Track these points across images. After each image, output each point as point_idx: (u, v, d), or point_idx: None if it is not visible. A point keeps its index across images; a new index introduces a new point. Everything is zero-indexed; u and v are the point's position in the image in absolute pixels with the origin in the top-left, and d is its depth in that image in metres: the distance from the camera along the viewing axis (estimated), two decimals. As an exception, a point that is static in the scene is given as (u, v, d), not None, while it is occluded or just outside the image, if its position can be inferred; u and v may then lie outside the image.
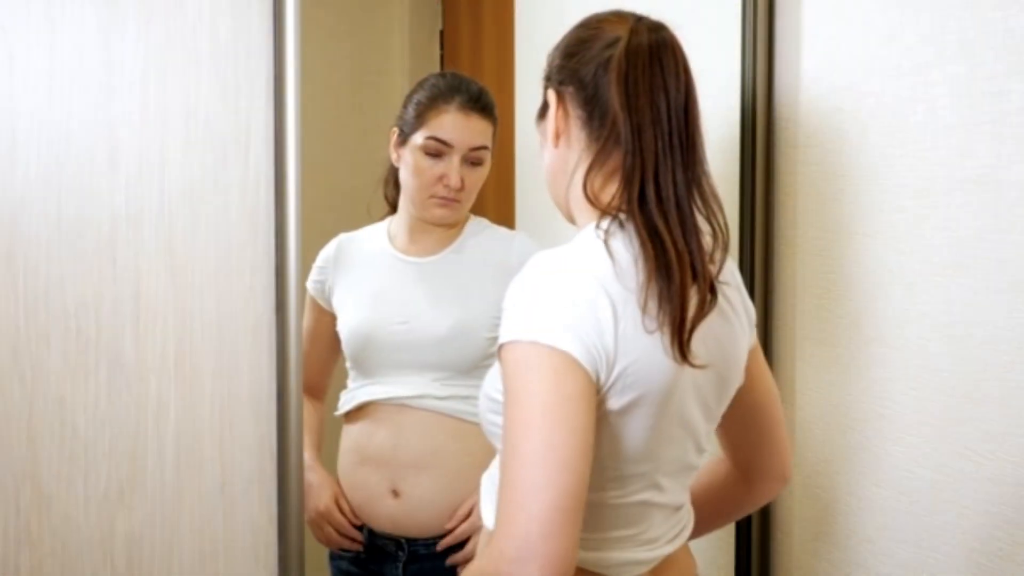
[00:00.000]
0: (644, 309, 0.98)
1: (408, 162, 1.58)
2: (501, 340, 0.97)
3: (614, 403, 0.99)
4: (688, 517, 1.18)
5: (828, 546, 1.54)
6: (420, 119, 1.57)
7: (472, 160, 1.58)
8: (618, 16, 1.12)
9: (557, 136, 1.12)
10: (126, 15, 1.22)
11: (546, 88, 1.14)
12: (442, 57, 2.09)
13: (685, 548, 1.19)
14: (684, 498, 1.16)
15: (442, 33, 2.10)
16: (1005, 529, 1.24)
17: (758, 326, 1.59)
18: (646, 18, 1.11)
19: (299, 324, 1.30)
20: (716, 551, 1.70)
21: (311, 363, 1.68)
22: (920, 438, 1.36)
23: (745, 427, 1.20)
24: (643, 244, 0.99)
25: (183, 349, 1.27)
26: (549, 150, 1.14)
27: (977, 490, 1.28)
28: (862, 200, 1.44)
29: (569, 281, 0.98)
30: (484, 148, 1.59)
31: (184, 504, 1.28)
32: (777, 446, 1.27)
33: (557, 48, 1.15)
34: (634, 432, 1.02)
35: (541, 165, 1.19)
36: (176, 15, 1.25)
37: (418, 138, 1.56)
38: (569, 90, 1.10)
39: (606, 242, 1.00)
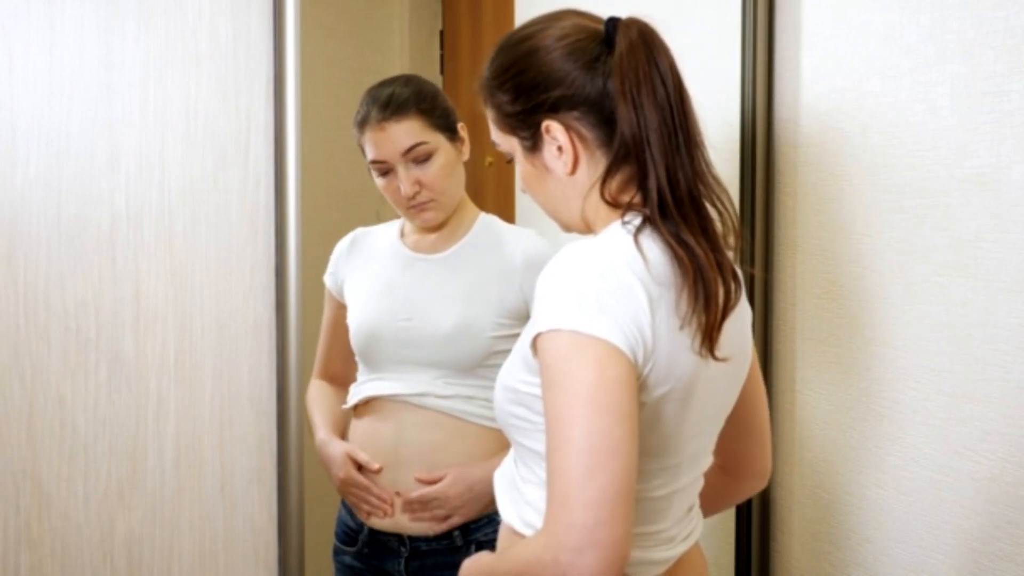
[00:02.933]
0: (677, 308, 0.98)
1: (375, 183, 1.60)
2: (538, 329, 0.96)
3: (646, 396, 0.99)
4: (698, 517, 1.18)
5: (828, 546, 1.54)
6: (360, 145, 1.59)
7: (416, 159, 1.55)
8: (561, 16, 1.09)
9: (576, 164, 1.07)
10: (126, 15, 1.22)
11: (537, 123, 1.07)
12: (442, 57, 2.09)
13: (698, 549, 1.19)
14: (696, 497, 1.16)
15: (442, 33, 2.10)
16: (1005, 529, 1.24)
17: (758, 326, 1.60)
18: (595, 16, 1.08)
19: (299, 323, 1.30)
20: (716, 551, 1.70)
21: (333, 354, 1.70)
22: (920, 438, 1.36)
23: (733, 422, 1.20)
24: (675, 251, 0.99)
25: (183, 349, 1.27)
26: (556, 180, 1.09)
27: (977, 490, 1.28)
28: (862, 200, 1.44)
29: (605, 269, 0.97)
30: (419, 145, 1.54)
31: (184, 504, 1.28)
32: (761, 442, 1.26)
33: (524, 78, 1.07)
34: (662, 426, 1.02)
35: (541, 197, 1.13)
36: (176, 15, 1.25)
37: (368, 163, 1.58)
38: (575, 114, 1.05)
39: (635, 237, 0.99)
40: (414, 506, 1.54)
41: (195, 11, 1.26)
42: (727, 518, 1.67)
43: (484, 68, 1.13)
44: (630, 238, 0.99)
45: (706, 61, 1.70)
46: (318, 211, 1.60)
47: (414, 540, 1.57)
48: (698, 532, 1.17)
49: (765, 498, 1.64)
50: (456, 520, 1.55)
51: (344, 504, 1.66)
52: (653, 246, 0.99)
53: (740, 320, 1.10)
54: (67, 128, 1.20)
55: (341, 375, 1.71)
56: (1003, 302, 1.23)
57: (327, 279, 1.69)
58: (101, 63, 1.21)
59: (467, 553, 1.57)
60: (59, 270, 1.20)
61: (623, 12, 1.07)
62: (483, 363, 1.56)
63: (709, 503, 1.26)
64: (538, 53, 1.07)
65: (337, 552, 1.67)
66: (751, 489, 1.31)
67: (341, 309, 1.67)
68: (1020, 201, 1.20)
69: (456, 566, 1.58)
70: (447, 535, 1.56)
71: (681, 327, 0.99)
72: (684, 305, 0.99)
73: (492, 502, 1.53)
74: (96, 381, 1.22)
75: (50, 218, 1.19)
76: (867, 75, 1.42)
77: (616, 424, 0.90)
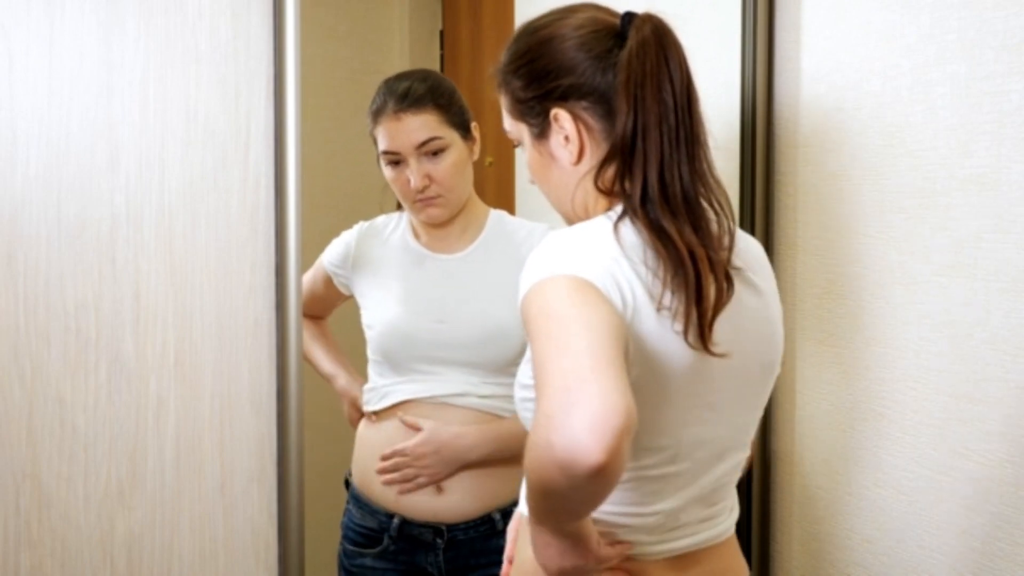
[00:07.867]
0: (659, 297, 0.98)
1: (384, 174, 1.60)
2: (520, 295, 0.96)
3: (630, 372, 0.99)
4: (724, 515, 1.15)
5: (828, 546, 1.54)
6: (373, 135, 1.59)
7: (429, 153, 1.55)
8: (579, 9, 1.10)
9: (581, 154, 1.08)
10: (126, 15, 1.22)
11: (546, 110, 1.08)
12: (442, 57, 2.09)
13: (735, 551, 1.18)
14: (716, 494, 1.12)
15: (442, 33, 2.10)
16: (1005, 529, 1.24)
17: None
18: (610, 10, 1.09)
19: (299, 323, 1.30)
20: (716, 551, 1.70)
21: (312, 303, 1.71)
22: (920, 438, 1.36)
23: None
24: (653, 241, 0.99)
25: (183, 348, 1.27)
26: (561, 169, 1.10)
27: (977, 490, 1.28)
28: (862, 200, 1.44)
29: (587, 247, 0.99)
30: (434, 139, 1.55)
31: (184, 504, 1.28)
32: None
33: (537, 65, 1.09)
34: (645, 404, 1.00)
35: (546, 186, 1.14)
36: (176, 14, 1.25)
37: (379, 152, 1.58)
38: (583, 104, 1.07)
39: (616, 225, 1.00)
40: (386, 469, 1.55)
41: (195, 11, 1.26)
42: (727, 518, 1.67)
43: (501, 55, 1.14)
44: (610, 224, 1.01)
45: (706, 61, 1.70)
46: (318, 211, 1.60)
47: (452, 528, 1.55)
48: (723, 529, 1.15)
49: (765, 498, 1.64)
50: (422, 481, 1.54)
51: (356, 505, 1.62)
52: (631, 232, 1.00)
53: (754, 311, 1.09)
54: (67, 128, 1.20)
55: (318, 316, 1.75)
56: (1003, 302, 1.23)
57: (328, 265, 1.66)
58: (101, 63, 1.21)
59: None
60: (59, 270, 1.20)
61: (629, 9, 1.08)
62: (516, 362, 1.55)
63: None
64: (553, 41, 1.08)
65: (352, 556, 1.63)
66: None
67: (331, 289, 1.68)
68: (1020, 201, 1.20)
69: (496, 551, 1.55)
70: (487, 519, 1.55)
71: (660, 312, 0.99)
72: (664, 289, 0.98)
73: (460, 468, 1.54)
74: (96, 381, 1.22)
75: (50, 218, 1.19)
76: (867, 75, 1.42)
77: (592, 314, 0.89)
